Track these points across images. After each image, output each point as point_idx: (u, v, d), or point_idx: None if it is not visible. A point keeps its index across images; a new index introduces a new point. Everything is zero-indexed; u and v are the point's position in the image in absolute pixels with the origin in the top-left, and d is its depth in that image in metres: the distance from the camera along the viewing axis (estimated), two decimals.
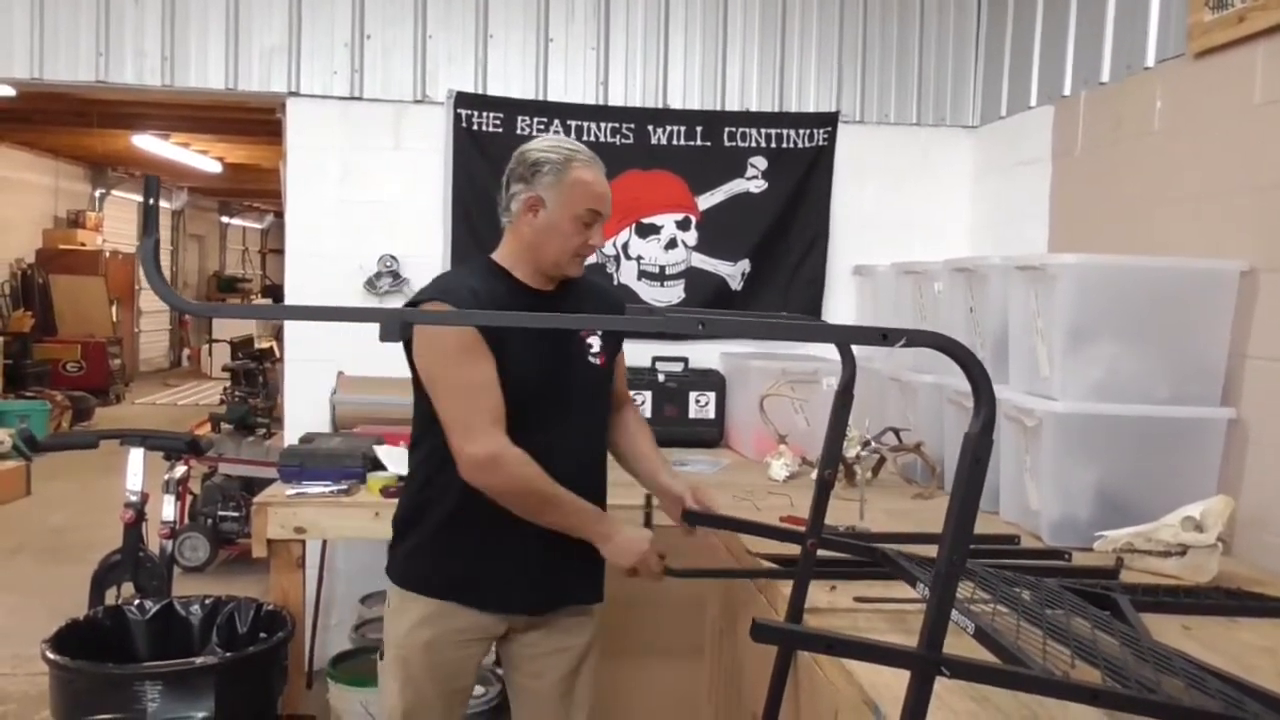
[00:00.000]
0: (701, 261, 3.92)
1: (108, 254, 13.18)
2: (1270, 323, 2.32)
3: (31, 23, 3.59)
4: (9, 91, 4.66)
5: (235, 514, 5.19)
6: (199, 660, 2.67)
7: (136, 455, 3.73)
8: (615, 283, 3.85)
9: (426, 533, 2.11)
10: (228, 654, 2.73)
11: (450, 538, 2.09)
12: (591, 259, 2.23)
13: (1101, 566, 2.09)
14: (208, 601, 3.01)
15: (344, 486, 2.87)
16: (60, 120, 9.20)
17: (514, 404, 2.00)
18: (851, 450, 2.81)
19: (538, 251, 2.07)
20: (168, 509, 4.05)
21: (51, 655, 2.58)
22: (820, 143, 3.90)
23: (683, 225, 3.90)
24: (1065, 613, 1.62)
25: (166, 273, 16.65)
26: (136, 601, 3.07)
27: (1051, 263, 2.42)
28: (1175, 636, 1.70)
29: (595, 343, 2.16)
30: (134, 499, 3.71)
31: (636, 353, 3.04)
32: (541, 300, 2.11)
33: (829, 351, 1.80)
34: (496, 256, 2.13)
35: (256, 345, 11.67)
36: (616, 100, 3.84)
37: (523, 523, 2.00)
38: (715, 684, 2.51)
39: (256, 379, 9.10)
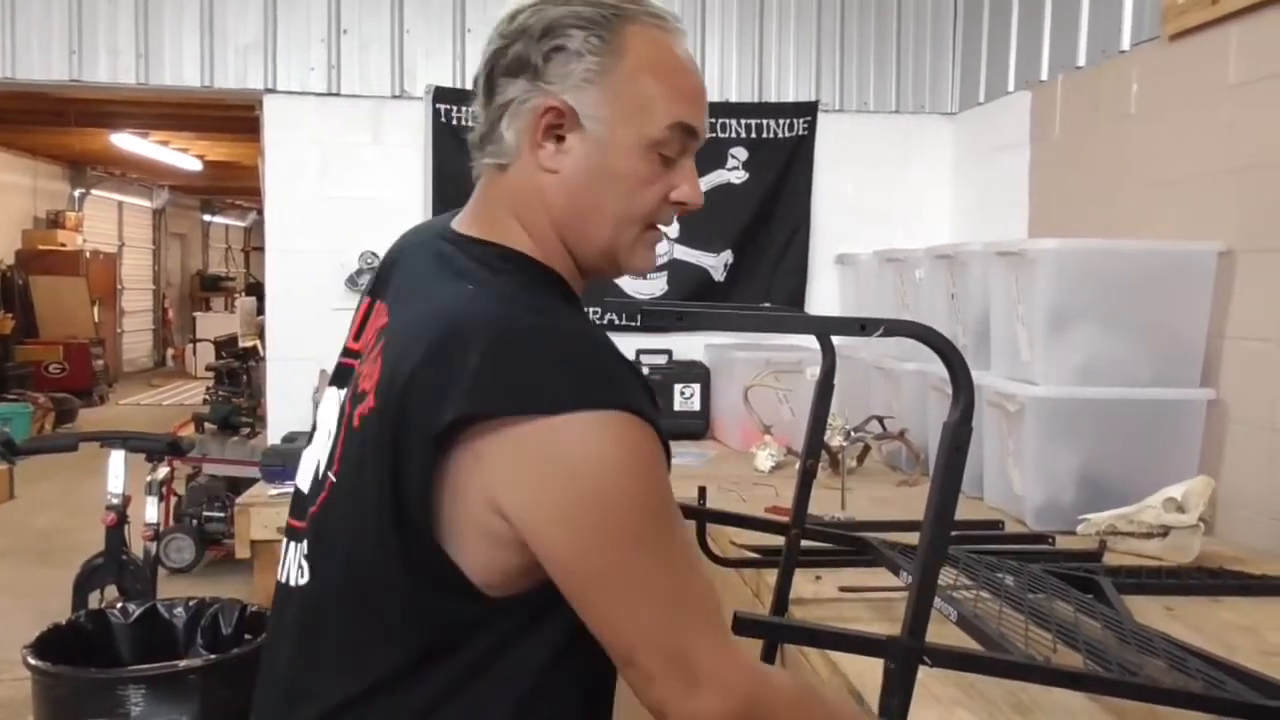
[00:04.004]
0: (684, 253, 3.90)
1: (88, 254, 13.11)
2: (1248, 303, 2.33)
3: (1, 21, 3.55)
4: None
5: (220, 514, 5.17)
6: (183, 663, 2.65)
7: (117, 457, 3.71)
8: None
9: None
10: (212, 656, 2.71)
11: None
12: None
13: (1085, 550, 2.09)
14: (191, 604, 2.98)
15: None
16: (37, 119, 9.14)
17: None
18: (835, 439, 2.81)
19: (576, 226, 1.08)
20: (150, 511, 4.03)
21: (33, 660, 2.56)
22: (800, 132, 3.89)
23: None
24: (1048, 597, 1.63)
25: (149, 272, 16.59)
26: (120, 604, 3.05)
27: (1031, 248, 2.42)
28: (1158, 618, 1.70)
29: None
30: (115, 501, 3.69)
31: (620, 346, 3.03)
32: None
33: (812, 341, 1.79)
34: (528, 250, 1.10)
35: (240, 344, 11.61)
36: None
37: None
38: None
39: (240, 378, 9.04)
